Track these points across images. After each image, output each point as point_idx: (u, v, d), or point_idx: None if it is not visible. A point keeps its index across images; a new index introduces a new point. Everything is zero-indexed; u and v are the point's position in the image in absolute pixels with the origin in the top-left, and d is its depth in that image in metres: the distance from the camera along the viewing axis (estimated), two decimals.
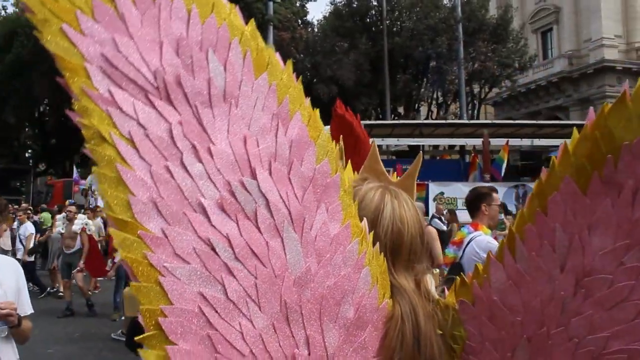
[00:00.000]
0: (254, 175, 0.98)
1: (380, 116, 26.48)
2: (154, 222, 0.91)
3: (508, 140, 14.63)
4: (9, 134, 36.73)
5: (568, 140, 1.02)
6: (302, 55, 24.81)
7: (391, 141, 16.06)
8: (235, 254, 0.95)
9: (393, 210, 1.19)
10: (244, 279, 0.95)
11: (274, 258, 0.97)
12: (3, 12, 34.43)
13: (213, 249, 0.93)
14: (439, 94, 29.27)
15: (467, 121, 20.21)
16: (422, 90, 27.55)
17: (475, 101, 29.18)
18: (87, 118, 0.89)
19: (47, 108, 35.36)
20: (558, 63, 35.03)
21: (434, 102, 29.84)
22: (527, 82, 34.31)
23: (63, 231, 10.32)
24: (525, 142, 15.22)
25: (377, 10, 26.54)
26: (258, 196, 0.97)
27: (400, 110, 28.69)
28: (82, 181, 24.05)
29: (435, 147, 17.58)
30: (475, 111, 29.41)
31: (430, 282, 1.19)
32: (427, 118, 28.87)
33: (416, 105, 27.94)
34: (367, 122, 18.01)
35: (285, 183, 1.01)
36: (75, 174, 23.64)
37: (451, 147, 18.54)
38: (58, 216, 11.76)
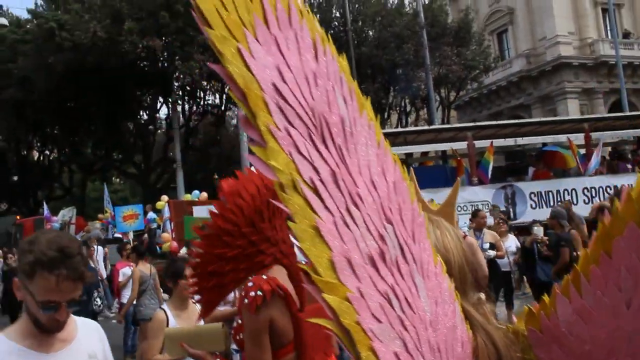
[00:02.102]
0: (389, 221, 0.95)
1: None
2: (350, 281, 0.87)
3: (492, 142, 14.71)
4: None
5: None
6: None
7: None
8: (401, 306, 0.92)
9: (437, 240, 1.19)
10: (412, 331, 0.92)
11: (418, 303, 0.96)
12: None
13: (389, 303, 0.91)
14: (407, 101, 29.52)
15: (449, 125, 20.34)
16: (391, 98, 27.69)
17: (442, 106, 29.48)
18: (274, 161, 0.83)
19: (5, 144, 34.17)
20: (516, 63, 35.88)
21: (402, 110, 30.07)
22: (488, 84, 34.95)
23: None
24: (509, 141, 15.35)
25: (340, 21, 26.62)
26: (395, 242, 0.95)
27: None
28: (54, 218, 23.16)
29: (409, 154, 17.48)
30: (444, 116, 29.71)
31: (489, 308, 1.22)
32: (397, 126, 29.02)
33: (385, 113, 28.05)
34: None
35: (402, 225, 0.99)
36: (45, 211, 22.72)
37: (424, 153, 18.53)
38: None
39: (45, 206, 23.53)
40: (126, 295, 8.83)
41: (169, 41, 22.21)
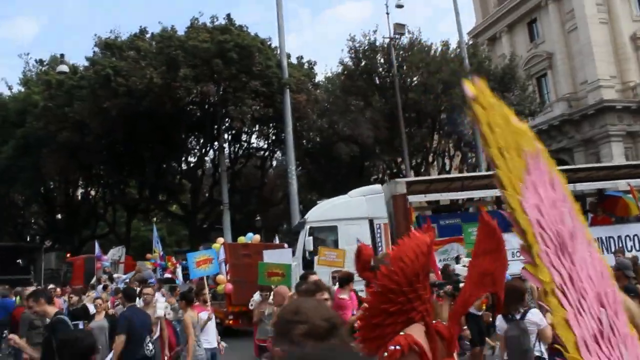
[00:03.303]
0: (602, 305, 1.31)
1: (401, 172, 26.63)
2: (586, 356, 1.22)
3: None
4: (13, 212, 36.28)
5: None
6: (317, 118, 25.14)
7: (432, 197, 16.05)
8: None
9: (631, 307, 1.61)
10: None
11: None
12: (8, 91, 34.60)
13: None
14: (451, 145, 29.65)
15: None
16: (437, 142, 27.86)
17: None
18: (541, 275, 1.26)
19: (53, 184, 35.13)
20: (557, 106, 35.81)
21: (446, 154, 30.19)
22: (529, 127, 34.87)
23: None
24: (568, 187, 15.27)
25: (384, 68, 27.11)
26: (607, 322, 1.29)
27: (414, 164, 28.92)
28: (104, 257, 23.53)
29: (470, 199, 17.54)
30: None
31: None
32: (440, 171, 29.10)
33: (431, 158, 28.20)
34: (406, 179, 18.05)
35: (609, 306, 1.33)
36: (97, 250, 23.11)
37: (468, 198, 18.45)
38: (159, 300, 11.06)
39: (97, 244, 23.89)
40: (202, 339, 8.98)
41: (222, 87, 22.85)
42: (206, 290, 9.91)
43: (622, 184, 15.67)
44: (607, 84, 34.13)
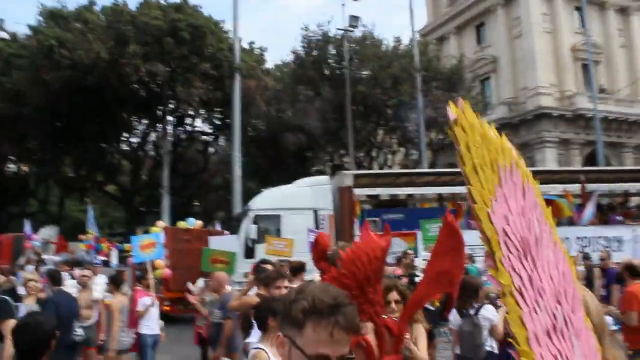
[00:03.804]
0: (559, 302, 1.48)
1: (343, 164, 26.78)
2: (536, 348, 1.39)
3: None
4: None
5: None
6: (266, 105, 24.89)
7: (380, 191, 16.22)
8: None
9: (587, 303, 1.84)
10: None
11: (573, 358, 1.44)
12: None
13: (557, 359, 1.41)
14: (394, 141, 30.04)
15: (451, 169, 20.75)
16: (381, 137, 28.14)
17: (431, 148, 30.06)
18: (502, 279, 1.43)
19: None
20: (499, 109, 36.88)
21: (388, 149, 30.56)
22: None
23: None
24: None
25: (335, 59, 27.12)
26: (561, 317, 1.45)
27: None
28: (34, 236, 22.49)
29: (411, 195, 17.83)
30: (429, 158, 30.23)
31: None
32: (382, 166, 29.46)
33: (375, 152, 28.49)
34: (354, 172, 18.15)
35: (567, 303, 1.50)
36: (27, 229, 22.06)
37: (406, 195, 18.72)
38: (69, 282, 10.70)
39: (26, 223, 22.81)
40: (144, 325, 8.68)
41: (172, 67, 22.24)
42: (150, 275, 9.56)
43: (557, 189, 16.38)
44: (546, 91, 35.45)
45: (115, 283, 8.88)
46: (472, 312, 5.20)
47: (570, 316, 1.48)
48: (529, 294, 1.43)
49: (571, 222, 15.70)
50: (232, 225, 17.58)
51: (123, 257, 21.37)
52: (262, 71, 26.79)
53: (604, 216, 16.68)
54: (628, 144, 35.83)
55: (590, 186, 16.18)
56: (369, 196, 17.54)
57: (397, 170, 23.03)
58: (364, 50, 26.20)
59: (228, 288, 8.41)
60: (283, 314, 1.64)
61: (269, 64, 29.72)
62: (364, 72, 26.23)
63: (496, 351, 5.43)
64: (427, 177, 17.09)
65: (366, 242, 2.31)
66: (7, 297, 5.63)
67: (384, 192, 16.38)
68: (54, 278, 8.61)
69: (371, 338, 2.35)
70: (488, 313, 5.31)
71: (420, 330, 4.01)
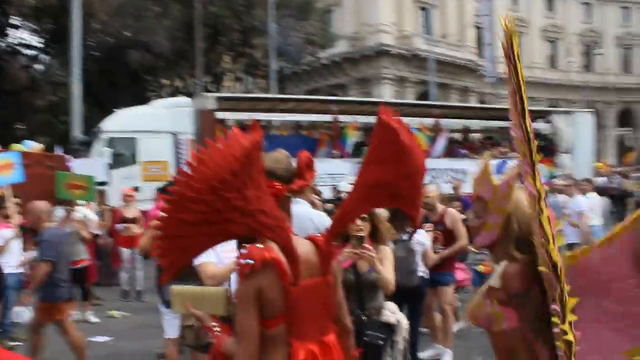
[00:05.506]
0: None
1: (188, 90, 25.55)
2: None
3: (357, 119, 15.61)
4: None
5: None
6: (110, 18, 22.49)
7: (244, 116, 15.63)
8: None
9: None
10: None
11: None
12: None
13: None
14: (239, 68, 29.30)
15: (317, 97, 20.69)
16: (229, 63, 27.21)
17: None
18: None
19: None
20: (340, 44, 37.46)
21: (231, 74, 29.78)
22: (311, 61, 35.77)
23: None
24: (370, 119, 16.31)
25: None
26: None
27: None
28: None
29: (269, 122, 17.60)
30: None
31: None
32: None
33: (226, 81, 27.56)
34: (216, 94, 17.35)
35: None
36: None
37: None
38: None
39: None
40: (3, 262, 7.45)
41: None
42: (10, 202, 8.17)
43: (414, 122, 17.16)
44: (387, 29, 36.77)
45: None
46: (405, 237, 5.01)
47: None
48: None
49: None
50: (74, 149, 15.80)
51: None
52: None
53: (449, 150, 17.95)
54: (454, 86, 38.85)
55: (442, 121, 17.37)
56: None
57: (263, 95, 22.33)
58: None
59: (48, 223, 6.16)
60: None
61: None
62: None
63: (427, 276, 5.48)
64: (289, 103, 16.95)
65: (224, 142, 1.92)
66: None
67: (247, 117, 15.87)
68: None
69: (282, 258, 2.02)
70: (421, 237, 5.26)
71: (385, 252, 3.87)
